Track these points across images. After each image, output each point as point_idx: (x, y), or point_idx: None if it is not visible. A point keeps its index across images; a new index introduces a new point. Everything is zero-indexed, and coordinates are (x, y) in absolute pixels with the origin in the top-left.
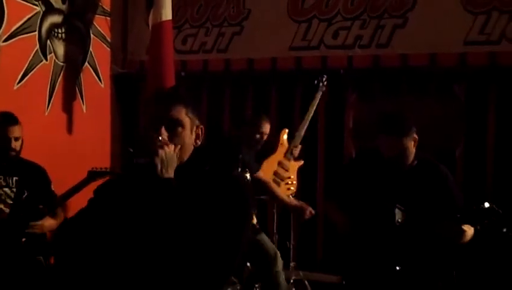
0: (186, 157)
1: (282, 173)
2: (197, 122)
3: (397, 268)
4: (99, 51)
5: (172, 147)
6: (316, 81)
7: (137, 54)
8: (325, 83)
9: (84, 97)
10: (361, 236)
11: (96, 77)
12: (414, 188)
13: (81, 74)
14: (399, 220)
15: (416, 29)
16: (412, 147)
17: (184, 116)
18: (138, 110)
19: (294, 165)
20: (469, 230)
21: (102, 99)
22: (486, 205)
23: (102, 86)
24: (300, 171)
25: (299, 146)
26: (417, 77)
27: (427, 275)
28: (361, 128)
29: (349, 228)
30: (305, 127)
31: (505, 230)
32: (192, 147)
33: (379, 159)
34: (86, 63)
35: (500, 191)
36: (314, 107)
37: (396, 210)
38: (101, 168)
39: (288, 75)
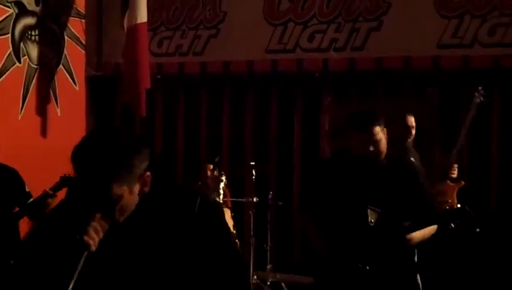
0: (127, 214)
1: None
2: (140, 170)
3: (367, 268)
4: (74, 54)
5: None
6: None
7: (112, 56)
8: (482, 92)
9: (58, 100)
10: (335, 238)
11: (70, 80)
12: (386, 187)
13: (56, 77)
14: (372, 221)
15: (390, 33)
16: (384, 139)
17: (117, 190)
18: (113, 113)
19: (452, 188)
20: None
21: (77, 102)
22: (458, 206)
23: (77, 88)
24: (276, 174)
25: (455, 165)
26: (392, 80)
27: (398, 275)
28: (336, 130)
29: (328, 254)
30: (461, 143)
31: (478, 230)
32: (135, 203)
33: (351, 160)
34: (61, 66)
35: (474, 190)
36: (471, 121)
37: (369, 211)
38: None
39: (264, 77)
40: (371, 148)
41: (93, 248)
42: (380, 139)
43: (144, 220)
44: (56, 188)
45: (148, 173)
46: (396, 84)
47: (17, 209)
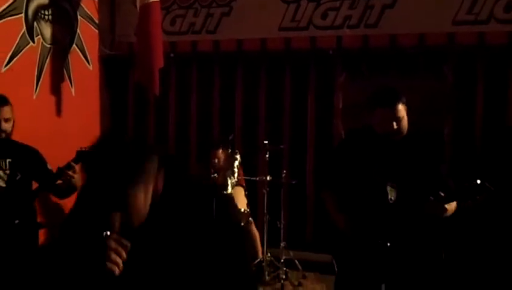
0: (142, 218)
1: None
2: (152, 178)
3: (388, 244)
4: (87, 33)
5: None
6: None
7: (125, 35)
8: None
9: (72, 79)
10: (355, 215)
11: (84, 59)
12: (407, 159)
13: (69, 56)
14: (392, 198)
15: (405, 10)
16: (406, 116)
17: (132, 191)
18: (127, 92)
19: None
20: (450, 207)
21: (91, 82)
22: (478, 181)
23: (91, 68)
24: (290, 152)
25: None
26: (406, 57)
27: (418, 251)
28: (350, 108)
29: (348, 231)
30: None
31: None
32: (149, 204)
33: (370, 136)
34: (74, 45)
35: (489, 168)
36: None
37: (389, 188)
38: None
39: (277, 55)
40: (395, 126)
41: (118, 273)
42: (403, 117)
43: (158, 225)
44: (73, 162)
45: (161, 173)
46: (411, 62)
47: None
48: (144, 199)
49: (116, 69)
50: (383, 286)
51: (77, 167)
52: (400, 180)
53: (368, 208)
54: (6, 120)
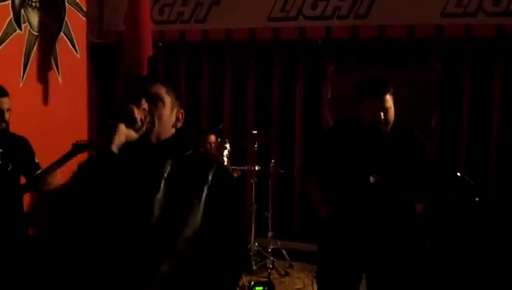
0: (165, 136)
1: None
2: (178, 105)
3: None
4: (75, 21)
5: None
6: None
7: (113, 24)
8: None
9: (59, 68)
10: (338, 204)
11: (72, 47)
12: (392, 152)
13: (57, 44)
14: (376, 186)
15: (394, 1)
16: (393, 107)
17: (164, 94)
18: (115, 81)
19: None
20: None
21: (79, 70)
22: (458, 175)
23: (78, 56)
24: (278, 142)
25: None
26: (395, 48)
27: (401, 240)
28: (339, 98)
29: (333, 219)
30: None
31: (477, 199)
32: (172, 129)
33: (357, 127)
34: (61, 33)
35: (474, 161)
36: None
37: (371, 178)
38: (85, 141)
39: (266, 46)
40: (382, 116)
41: (138, 124)
42: (390, 107)
43: (175, 152)
44: (68, 155)
45: (182, 111)
46: (399, 53)
47: (24, 181)
48: (169, 110)
49: (104, 57)
50: (364, 275)
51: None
52: (383, 172)
53: (350, 195)
54: (8, 110)
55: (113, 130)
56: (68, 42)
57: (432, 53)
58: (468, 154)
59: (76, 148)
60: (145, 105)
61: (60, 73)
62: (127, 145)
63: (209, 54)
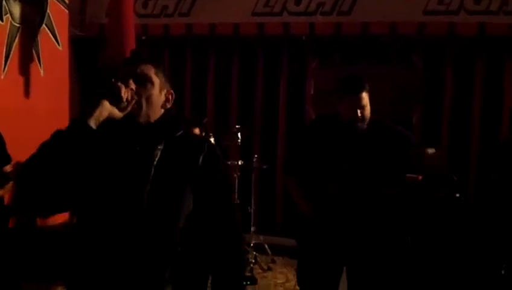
0: (154, 117)
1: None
2: (167, 86)
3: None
4: (57, 13)
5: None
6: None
7: (96, 16)
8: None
9: (41, 60)
10: (317, 200)
11: (54, 40)
12: (369, 150)
13: (39, 36)
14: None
15: None
16: (369, 104)
17: (153, 74)
18: (98, 74)
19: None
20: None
21: (61, 63)
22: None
23: (61, 48)
24: (261, 137)
25: None
26: (377, 45)
27: (382, 236)
28: (322, 94)
29: (313, 215)
30: None
31: (458, 195)
32: (161, 110)
33: (335, 123)
34: (44, 25)
35: (455, 157)
36: None
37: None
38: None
39: (250, 40)
40: (359, 113)
41: (124, 103)
42: (367, 104)
43: (165, 134)
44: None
45: (172, 92)
46: (382, 50)
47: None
48: (157, 91)
49: (87, 50)
50: (344, 269)
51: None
52: (362, 168)
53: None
54: None
55: (95, 105)
56: (50, 34)
57: (414, 50)
58: (449, 150)
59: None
60: (132, 86)
61: (41, 65)
62: (110, 122)
63: (193, 48)
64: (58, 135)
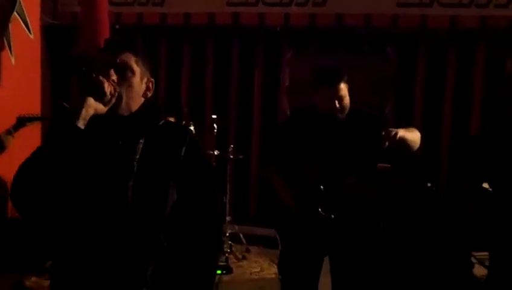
0: (135, 107)
1: None
2: (148, 74)
3: (332, 217)
4: (29, 1)
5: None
6: None
7: (69, 4)
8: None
9: (12, 48)
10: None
11: (25, 28)
12: (349, 140)
13: (10, 24)
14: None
15: None
16: (348, 95)
17: (133, 63)
18: (70, 62)
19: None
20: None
21: (32, 51)
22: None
23: (32, 37)
24: (236, 127)
25: None
26: (352, 36)
27: (359, 223)
28: (297, 84)
29: (296, 205)
30: None
31: (429, 185)
32: (142, 99)
33: (313, 115)
34: (15, 13)
35: (426, 147)
36: None
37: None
38: (30, 114)
39: (225, 30)
40: (337, 104)
41: (108, 97)
42: (345, 95)
43: (147, 125)
44: (13, 128)
45: (152, 80)
46: (356, 41)
47: None
48: (138, 79)
49: (59, 38)
50: (326, 258)
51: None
52: (342, 159)
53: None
54: None
55: (81, 105)
56: (21, 22)
57: (388, 41)
58: (421, 139)
59: (21, 121)
60: (114, 76)
61: (12, 54)
62: (95, 118)
63: (167, 38)
64: (50, 139)
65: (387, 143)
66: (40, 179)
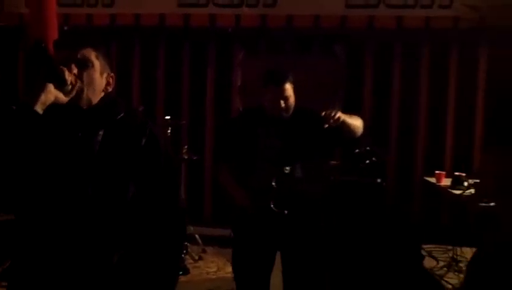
0: (95, 101)
1: None
2: (108, 69)
3: (285, 212)
4: None
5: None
6: None
7: (14, 6)
8: None
9: None
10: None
11: None
12: (295, 138)
13: None
14: (287, 168)
15: None
16: (293, 95)
17: (94, 58)
18: (16, 64)
19: None
20: None
21: None
22: (368, 148)
23: None
24: (188, 128)
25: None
26: (301, 37)
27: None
28: (248, 84)
29: (248, 203)
30: None
31: (379, 181)
32: (102, 93)
33: (260, 115)
34: None
35: (375, 142)
36: None
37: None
38: None
39: (176, 32)
40: (282, 104)
41: (68, 87)
42: (290, 96)
43: (106, 118)
44: None
45: (112, 75)
46: (306, 42)
47: None
48: (98, 74)
49: (5, 40)
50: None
51: None
52: (292, 157)
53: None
54: None
55: (40, 89)
56: None
57: (337, 41)
58: (370, 133)
59: None
60: (75, 70)
61: None
62: (55, 108)
63: (117, 39)
64: (2, 119)
65: (327, 125)
66: None
